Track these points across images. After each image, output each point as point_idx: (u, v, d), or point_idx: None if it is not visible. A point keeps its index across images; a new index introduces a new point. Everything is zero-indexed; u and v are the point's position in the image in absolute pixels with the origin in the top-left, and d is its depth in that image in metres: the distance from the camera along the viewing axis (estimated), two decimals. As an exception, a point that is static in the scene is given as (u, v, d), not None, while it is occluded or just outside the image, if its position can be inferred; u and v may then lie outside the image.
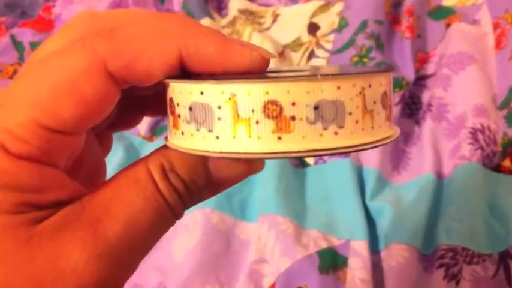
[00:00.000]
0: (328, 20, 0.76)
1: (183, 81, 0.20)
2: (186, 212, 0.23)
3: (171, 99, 0.21)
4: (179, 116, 0.21)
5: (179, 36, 0.21)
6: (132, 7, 0.83)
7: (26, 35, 0.82)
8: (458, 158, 0.57)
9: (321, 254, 0.53)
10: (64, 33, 0.23)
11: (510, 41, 0.64)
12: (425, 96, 0.66)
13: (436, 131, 0.62)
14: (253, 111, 0.18)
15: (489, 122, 0.59)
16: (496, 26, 0.68)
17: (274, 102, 0.18)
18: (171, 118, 0.21)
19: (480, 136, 0.58)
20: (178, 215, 0.23)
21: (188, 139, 0.20)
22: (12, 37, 0.83)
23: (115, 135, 0.67)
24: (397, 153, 0.62)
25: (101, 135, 0.27)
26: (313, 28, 0.76)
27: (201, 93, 0.19)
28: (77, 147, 0.22)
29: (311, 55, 0.74)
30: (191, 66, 0.21)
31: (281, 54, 0.74)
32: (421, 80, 0.67)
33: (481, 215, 0.54)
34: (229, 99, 0.19)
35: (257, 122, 0.18)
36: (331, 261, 0.53)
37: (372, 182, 0.58)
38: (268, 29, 0.80)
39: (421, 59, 0.69)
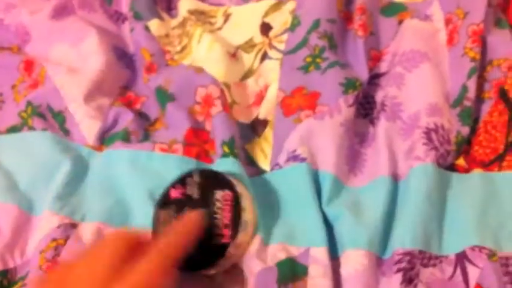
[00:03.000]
0: (280, 19, 0.75)
1: None
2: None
3: None
4: None
5: None
6: (78, 10, 0.80)
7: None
8: (413, 158, 0.57)
9: (280, 265, 0.52)
10: None
11: (462, 37, 0.64)
12: (379, 96, 0.65)
13: (391, 131, 0.61)
14: None
15: (442, 120, 0.59)
16: (448, 21, 0.67)
17: None
18: None
19: (434, 136, 0.57)
20: None
21: None
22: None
23: (61, 146, 0.65)
24: (353, 155, 0.61)
25: None
26: (265, 28, 0.75)
27: None
28: None
29: (264, 56, 0.72)
30: None
31: (233, 56, 0.73)
32: (374, 78, 0.67)
33: (436, 217, 0.54)
34: None
35: None
36: (291, 272, 0.51)
37: (328, 186, 0.57)
38: (220, 29, 0.78)
39: (374, 57, 0.69)
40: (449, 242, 0.53)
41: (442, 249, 0.52)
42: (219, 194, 0.51)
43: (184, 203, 0.52)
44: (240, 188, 0.53)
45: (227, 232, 0.50)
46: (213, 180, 0.53)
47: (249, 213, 0.52)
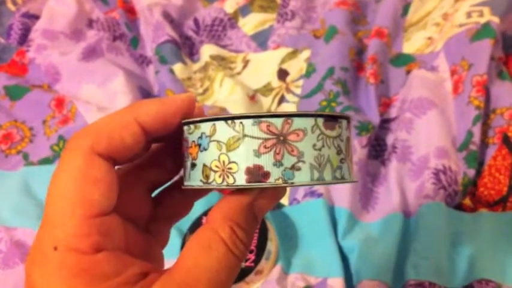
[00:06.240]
0: (296, 66, 0.80)
1: None
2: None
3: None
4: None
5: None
6: (106, 53, 0.86)
7: (-1, 78, 0.83)
8: (423, 197, 0.61)
9: None
10: None
11: (467, 87, 0.69)
12: (390, 139, 0.70)
13: (401, 172, 0.65)
14: None
15: (450, 163, 0.63)
16: (453, 72, 0.72)
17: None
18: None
19: (442, 176, 0.61)
20: (243, 259, 0.27)
21: None
22: (-15, 81, 0.83)
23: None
24: (366, 193, 0.65)
25: (157, 230, 0.31)
26: (282, 74, 0.80)
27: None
28: (121, 232, 0.26)
29: (281, 99, 0.77)
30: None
31: (252, 98, 0.78)
32: (385, 123, 0.71)
33: (445, 251, 0.57)
34: None
35: None
36: (308, 300, 0.55)
37: (343, 221, 0.60)
38: (239, 73, 0.83)
39: (384, 103, 0.74)
40: (457, 275, 0.56)
41: (451, 281, 0.55)
42: None
43: None
44: (267, 221, 0.56)
45: (251, 257, 0.53)
46: None
47: (273, 244, 0.55)
